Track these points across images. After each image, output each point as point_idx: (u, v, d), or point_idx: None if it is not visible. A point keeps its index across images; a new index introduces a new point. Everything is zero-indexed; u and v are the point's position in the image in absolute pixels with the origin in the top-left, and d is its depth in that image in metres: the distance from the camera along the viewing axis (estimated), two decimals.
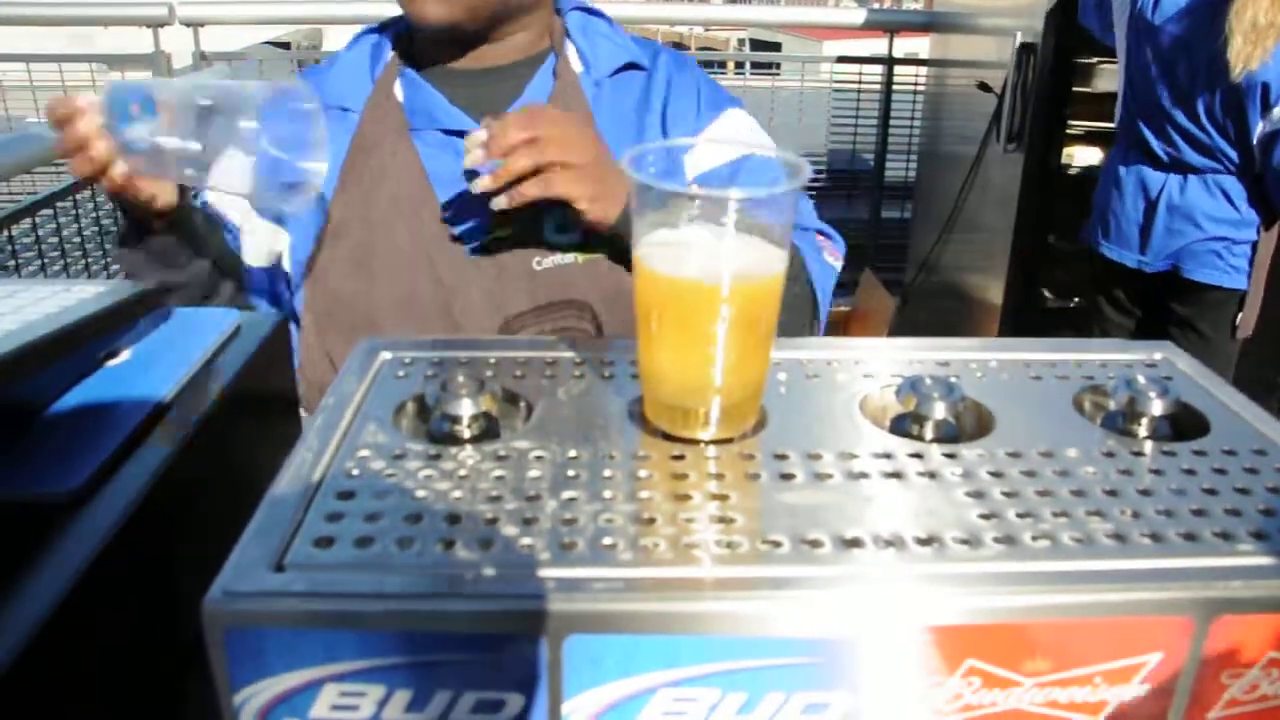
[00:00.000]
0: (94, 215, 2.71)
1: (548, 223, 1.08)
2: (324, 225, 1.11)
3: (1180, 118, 2.29)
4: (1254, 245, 2.29)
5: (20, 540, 0.53)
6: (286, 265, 1.17)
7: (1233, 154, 2.26)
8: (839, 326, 3.53)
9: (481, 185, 0.96)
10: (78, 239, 2.61)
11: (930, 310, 3.88)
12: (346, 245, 1.09)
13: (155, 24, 3.41)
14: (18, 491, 0.57)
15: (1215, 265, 2.34)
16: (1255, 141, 2.20)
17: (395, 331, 1.07)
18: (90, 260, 2.66)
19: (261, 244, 1.17)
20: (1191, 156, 2.31)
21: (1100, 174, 2.66)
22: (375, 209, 1.08)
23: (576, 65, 1.16)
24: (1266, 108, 2.16)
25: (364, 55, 1.19)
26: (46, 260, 2.47)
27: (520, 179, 0.95)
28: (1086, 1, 2.71)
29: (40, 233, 2.45)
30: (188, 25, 3.46)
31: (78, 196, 2.62)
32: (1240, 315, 2.34)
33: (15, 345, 0.59)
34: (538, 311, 1.07)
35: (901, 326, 3.38)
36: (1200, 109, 2.25)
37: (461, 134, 1.06)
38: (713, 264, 0.58)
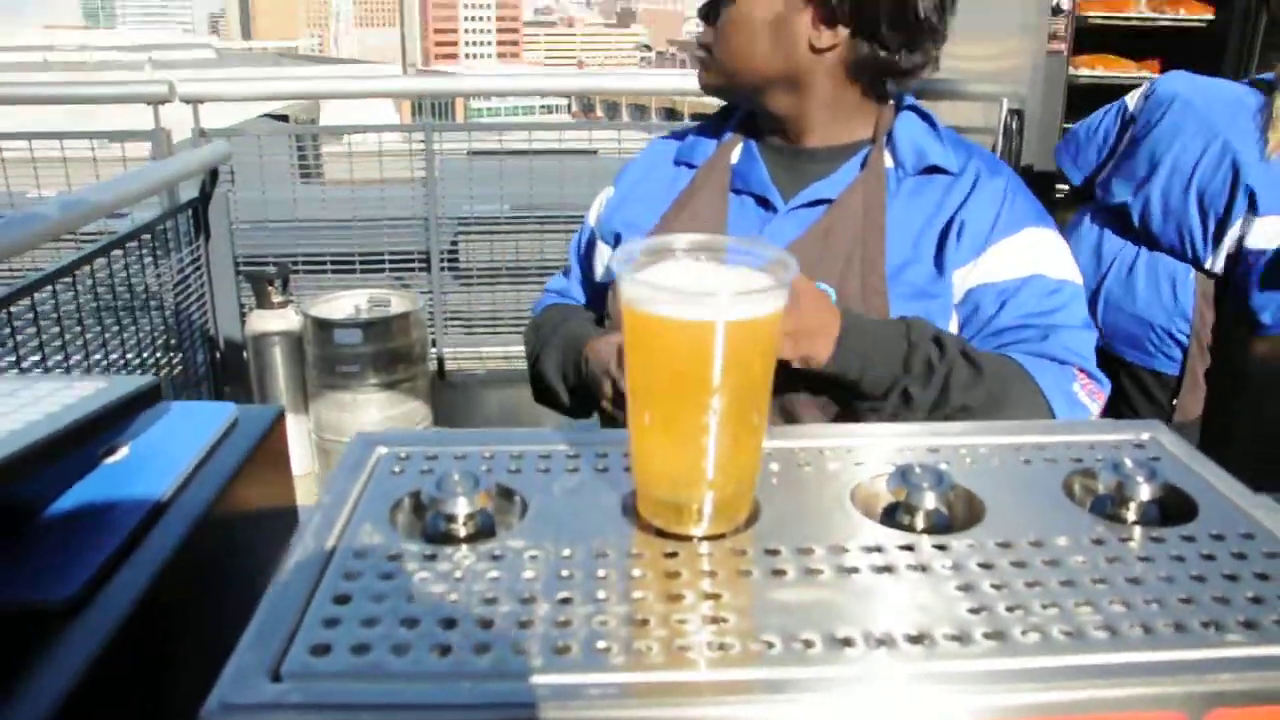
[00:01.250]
0: (93, 292, 2.73)
1: None
2: None
3: (1172, 190, 2.31)
4: (1187, 335, 2.31)
5: (16, 647, 0.53)
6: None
7: (1200, 240, 2.28)
8: None
9: None
10: (76, 315, 2.62)
11: None
12: None
13: (156, 101, 3.46)
14: (14, 598, 0.57)
15: (1144, 349, 2.37)
16: (1230, 240, 2.24)
17: None
18: (89, 337, 2.68)
19: None
20: (1160, 228, 2.33)
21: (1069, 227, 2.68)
22: None
23: (889, 160, 1.24)
24: (1254, 210, 2.20)
25: (719, 123, 1.36)
26: (45, 338, 2.49)
27: None
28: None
29: (40, 309, 2.47)
30: (188, 102, 3.51)
31: (77, 273, 2.63)
32: (1177, 400, 2.36)
33: (18, 446, 0.60)
34: None
35: None
36: (1194, 189, 2.27)
37: (766, 202, 1.22)
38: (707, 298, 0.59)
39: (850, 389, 1.06)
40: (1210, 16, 3.20)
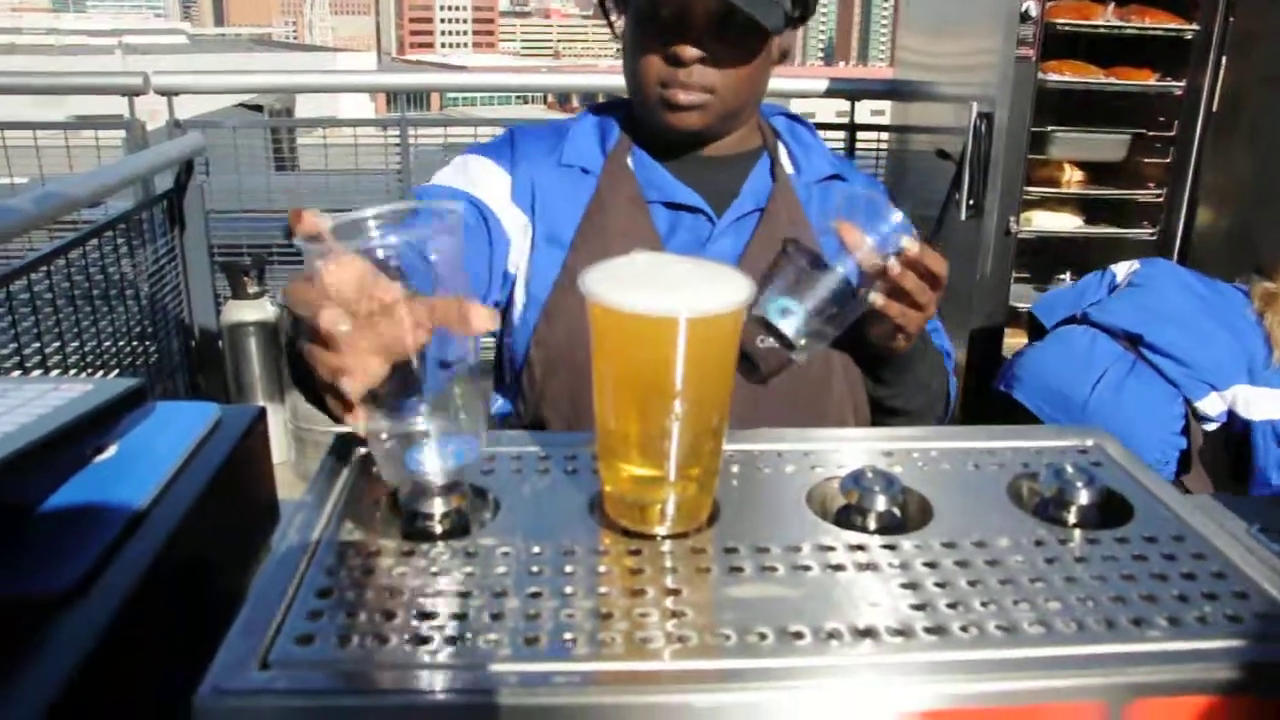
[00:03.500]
0: (69, 281, 2.74)
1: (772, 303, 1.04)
2: (560, 272, 1.18)
3: (1174, 343, 2.36)
4: (1182, 452, 2.34)
5: (17, 636, 0.56)
6: (518, 307, 1.21)
7: (1205, 372, 2.32)
8: None
9: (878, 301, 0.98)
10: (52, 304, 2.64)
11: None
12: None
13: (131, 93, 3.46)
14: (13, 589, 0.60)
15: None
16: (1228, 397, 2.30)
17: None
18: (64, 327, 2.69)
19: None
20: (1158, 360, 2.36)
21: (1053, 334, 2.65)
22: None
23: (789, 167, 1.27)
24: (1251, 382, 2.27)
25: (595, 128, 1.27)
26: (21, 327, 2.50)
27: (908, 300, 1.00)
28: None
29: (16, 299, 2.49)
30: (162, 94, 3.51)
31: (52, 264, 2.64)
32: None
33: (11, 449, 0.63)
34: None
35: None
36: (1196, 353, 2.33)
37: (692, 209, 1.18)
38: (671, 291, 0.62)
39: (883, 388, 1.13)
40: (1176, 26, 3.26)
